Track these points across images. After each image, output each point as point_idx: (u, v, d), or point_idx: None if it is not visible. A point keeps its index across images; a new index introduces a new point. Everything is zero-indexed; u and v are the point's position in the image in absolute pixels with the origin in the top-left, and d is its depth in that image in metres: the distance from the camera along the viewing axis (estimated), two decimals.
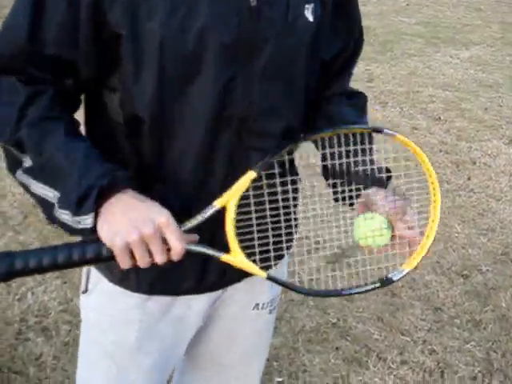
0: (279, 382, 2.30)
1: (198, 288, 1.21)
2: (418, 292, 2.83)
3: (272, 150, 1.07)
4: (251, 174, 1.04)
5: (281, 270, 1.29)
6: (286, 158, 1.09)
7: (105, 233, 0.96)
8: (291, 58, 1.11)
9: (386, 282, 1.08)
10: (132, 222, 0.95)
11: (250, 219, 1.08)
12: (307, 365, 2.38)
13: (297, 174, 1.26)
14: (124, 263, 0.96)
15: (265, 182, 1.08)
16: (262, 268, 1.06)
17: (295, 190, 1.19)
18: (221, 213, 1.04)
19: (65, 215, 0.98)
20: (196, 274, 1.19)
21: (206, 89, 1.03)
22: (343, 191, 1.12)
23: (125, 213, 0.96)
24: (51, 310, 2.52)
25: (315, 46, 1.14)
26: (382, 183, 1.13)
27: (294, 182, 1.18)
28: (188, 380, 1.53)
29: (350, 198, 1.12)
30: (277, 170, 1.10)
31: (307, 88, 1.16)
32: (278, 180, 1.10)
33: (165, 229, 0.97)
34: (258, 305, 1.34)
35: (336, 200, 1.14)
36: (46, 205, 1.01)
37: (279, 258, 1.16)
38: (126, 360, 1.25)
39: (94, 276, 1.23)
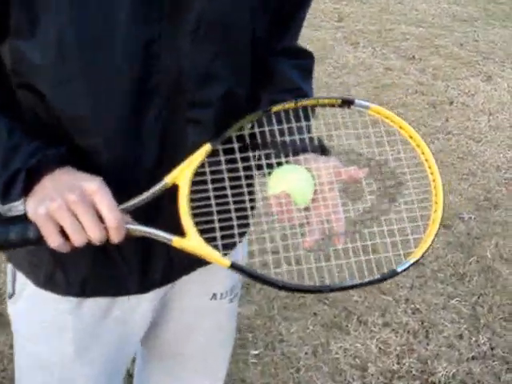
0: (255, 354, 2.14)
1: (140, 287, 1.03)
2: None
3: (212, 122, 0.92)
4: (206, 147, 0.88)
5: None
6: (247, 131, 0.92)
7: (30, 208, 0.82)
8: (232, 7, 0.88)
9: (388, 274, 0.88)
10: (57, 190, 0.81)
11: (208, 198, 0.89)
12: (284, 334, 2.23)
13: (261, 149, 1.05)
14: (52, 238, 0.80)
15: (223, 157, 0.90)
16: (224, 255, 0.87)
17: (260, 167, 0.97)
18: (172, 191, 0.87)
19: None
20: (136, 271, 1.00)
21: (121, 55, 0.82)
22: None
23: (54, 185, 0.82)
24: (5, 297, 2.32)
25: None
26: (322, 150, 0.97)
27: (258, 158, 0.97)
28: (150, 368, 1.40)
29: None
30: (236, 145, 0.92)
31: (253, 44, 0.94)
32: (238, 155, 0.92)
33: (93, 195, 0.80)
34: (215, 295, 1.17)
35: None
36: None
37: (240, 235, 0.97)
38: (65, 372, 1.08)
39: (20, 278, 1.03)
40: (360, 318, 2.31)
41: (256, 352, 2.15)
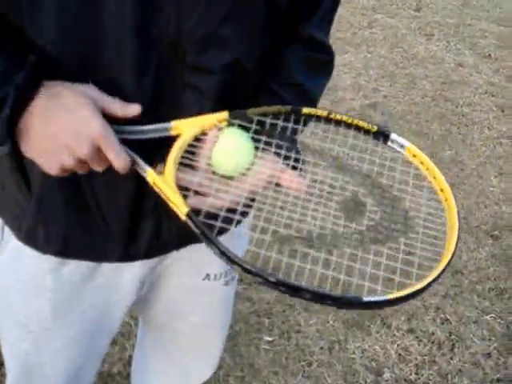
0: (269, 341, 2.07)
1: (123, 256, 0.97)
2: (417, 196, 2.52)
3: (214, 92, 0.85)
4: (223, 115, 0.83)
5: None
6: (268, 120, 0.85)
7: (29, 155, 0.79)
8: None
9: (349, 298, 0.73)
10: (61, 142, 0.76)
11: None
12: (302, 324, 2.14)
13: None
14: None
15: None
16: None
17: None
18: (168, 141, 0.82)
19: None
20: (119, 238, 0.94)
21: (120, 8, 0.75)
22: None
23: (47, 126, 0.77)
24: None
25: None
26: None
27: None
28: (146, 340, 1.37)
29: None
30: (253, 126, 0.85)
31: (270, 13, 0.84)
32: (250, 135, 0.85)
33: (102, 143, 0.77)
34: (208, 275, 1.10)
35: None
36: None
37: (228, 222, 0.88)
38: (42, 331, 1.04)
39: (6, 230, 0.99)
40: (384, 320, 2.19)
41: (270, 339, 2.08)
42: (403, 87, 3.73)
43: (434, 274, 0.74)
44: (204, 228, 0.74)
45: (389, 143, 0.86)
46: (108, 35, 0.76)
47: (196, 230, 0.74)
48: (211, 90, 0.84)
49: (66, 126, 0.76)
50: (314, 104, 0.98)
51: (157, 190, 0.79)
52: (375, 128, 0.86)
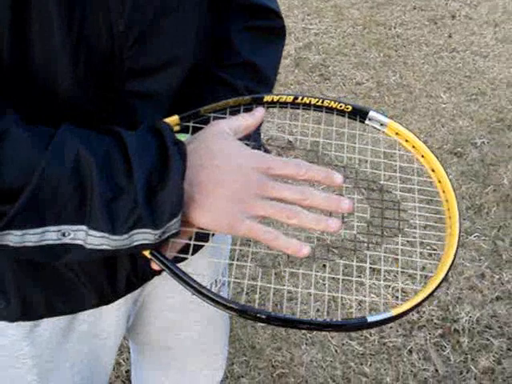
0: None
1: (104, 299, 0.85)
2: (408, 182, 2.48)
3: (161, 93, 0.73)
4: (172, 119, 0.71)
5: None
6: (227, 116, 0.74)
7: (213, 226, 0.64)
8: None
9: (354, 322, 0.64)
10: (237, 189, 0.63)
11: None
12: (292, 292, 2.06)
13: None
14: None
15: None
16: None
17: None
18: None
19: (140, 239, 0.61)
20: (96, 283, 0.82)
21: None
22: None
23: (216, 185, 0.63)
24: None
25: None
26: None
27: None
28: (143, 360, 1.25)
29: None
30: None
31: None
32: None
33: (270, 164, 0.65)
34: None
35: None
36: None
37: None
38: None
39: None
40: (372, 266, 2.14)
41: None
42: (332, 21, 3.62)
43: (443, 270, 0.66)
44: (172, 266, 0.64)
45: (367, 122, 0.76)
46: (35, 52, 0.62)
47: (165, 269, 0.64)
48: (161, 93, 0.72)
49: (237, 174, 0.64)
50: (268, 83, 0.86)
51: None
52: (350, 107, 0.75)
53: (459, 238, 0.68)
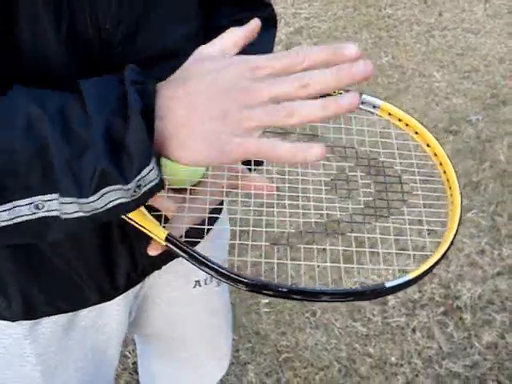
0: (266, 303, 2.01)
1: (104, 295, 0.86)
2: (407, 158, 2.48)
3: None
4: None
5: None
6: None
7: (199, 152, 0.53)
8: None
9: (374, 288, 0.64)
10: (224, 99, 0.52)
11: None
12: (294, 276, 2.06)
13: None
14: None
15: None
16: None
17: None
18: None
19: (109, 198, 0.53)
20: (93, 282, 0.83)
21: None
22: None
23: (191, 110, 0.53)
24: None
25: None
26: None
27: None
28: (148, 351, 1.27)
29: None
30: None
31: None
32: None
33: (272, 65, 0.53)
34: (198, 282, 1.01)
35: None
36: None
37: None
38: None
39: None
40: (372, 247, 2.15)
41: (267, 300, 2.01)
42: (322, 4, 3.60)
43: (449, 236, 0.67)
44: (190, 249, 0.64)
45: (360, 106, 0.75)
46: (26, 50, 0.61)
47: (183, 255, 0.64)
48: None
49: (224, 81, 0.53)
50: None
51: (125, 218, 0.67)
52: (342, 92, 0.76)
53: (461, 203, 0.69)
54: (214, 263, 0.62)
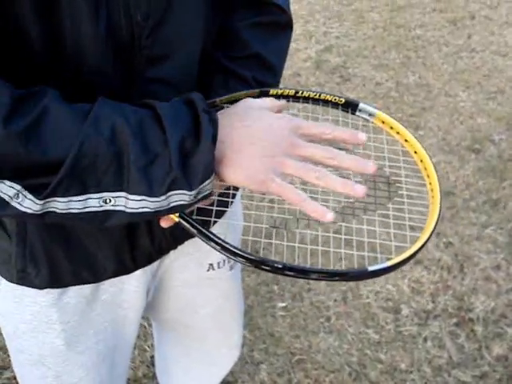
0: (283, 307, 2.07)
1: (123, 268, 0.93)
2: (396, 162, 2.51)
3: (178, 79, 0.80)
4: None
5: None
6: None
7: (239, 179, 0.69)
8: None
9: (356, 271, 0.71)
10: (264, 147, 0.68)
11: None
12: (311, 282, 2.14)
13: None
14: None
15: None
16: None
17: None
18: None
19: (177, 200, 0.67)
20: (117, 253, 0.90)
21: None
22: None
23: (248, 142, 0.69)
24: None
25: None
26: None
27: None
28: (165, 340, 1.37)
29: None
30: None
31: None
32: None
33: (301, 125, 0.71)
34: (212, 265, 1.08)
35: None
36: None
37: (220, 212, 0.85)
38: (60, 365, 1.01)
39: (2, 278, 0.95)
40: (389, 257, 2.19)
41: (283, 304, 2.07)
42: (353, 24, 3.68)
43: (429, 228, 0.73)
44: (199, 226, 0.71)
45: (357, 113, 0.85)
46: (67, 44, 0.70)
47: (192, 230, 0.71)
48: (177, 78, 0.80)
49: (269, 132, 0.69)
50: (275, 74, 0.94)
51: None
52: (343, 100, 0.86)
53: (441, 204, 0.75)
54: (219, 238, 0.70)
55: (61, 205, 0.64)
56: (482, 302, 2.02)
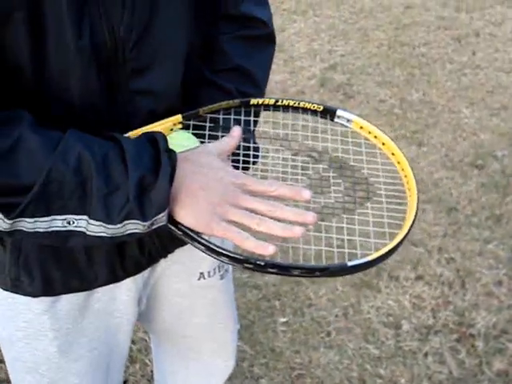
0: (284, 322, 2.07)
1: (114, 276, 0.96)
2: (428, 194, 2.53)
3: (161, 90, 0.84)
4: (176, 117, 0.85)
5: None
6: (221, 116, 0.87)
7: (189, 220, 0.74)
8: None
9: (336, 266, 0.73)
10: (214, 192, 0.75)
11: None
12: (312, 298, 2.15)
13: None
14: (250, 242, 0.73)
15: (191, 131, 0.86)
16: None
17: None
18: None
19: (129, 228, 0.73)
20: (108, 262, 0.93)
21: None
22: None
23: (200, 188, 0.75)
24: None
25: None
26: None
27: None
28: (162, 352, 1.37)
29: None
30: (208, 124, 0.87)
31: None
32: (206, 133, 0.86)
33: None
34: (202, 274, 1.10)
35: None
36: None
37: None
38: (54, 372, 1.03)
39: None
40: (391, 273, 2.20)
41: (284, 319, 2.08)
42: (358, 42, 3.72)
43: (405, 227, 0.75)
44: (184, 227, 0.74)
45: (335, 119, 0.89)
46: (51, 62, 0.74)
47: (177, 232, 0.74)
48: (160, 90, 0.83)
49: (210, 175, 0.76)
50: (258, 86, 0.96)
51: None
52: (321, 107, 0.89)
53: (418, 203, 0.77)
54: (203, 238, 0.73)
55: (28, 224, 0.70)
56: (484, 317, 2.01)
